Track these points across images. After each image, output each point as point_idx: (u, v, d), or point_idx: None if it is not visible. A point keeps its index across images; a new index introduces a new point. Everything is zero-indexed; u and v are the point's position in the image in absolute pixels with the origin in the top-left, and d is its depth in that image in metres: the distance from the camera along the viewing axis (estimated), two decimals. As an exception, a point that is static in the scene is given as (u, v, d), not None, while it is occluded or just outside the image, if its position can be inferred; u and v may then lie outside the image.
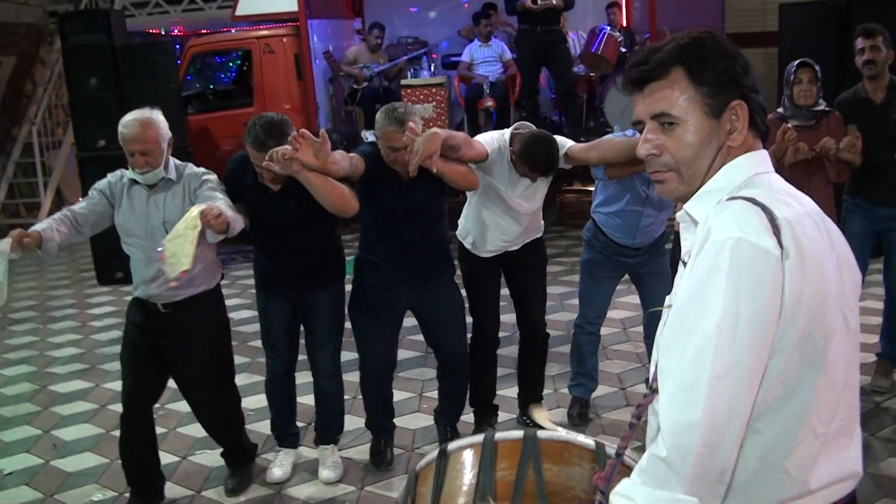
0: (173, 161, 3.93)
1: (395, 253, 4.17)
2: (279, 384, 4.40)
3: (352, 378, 5.48)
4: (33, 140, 12.78)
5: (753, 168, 1.64)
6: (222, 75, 11.60)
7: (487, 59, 9.60)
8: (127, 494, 4.30)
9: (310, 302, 4.21)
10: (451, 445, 2.02)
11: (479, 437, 1.98)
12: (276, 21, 10.35)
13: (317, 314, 4.24)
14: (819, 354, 1.54)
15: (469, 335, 4.61)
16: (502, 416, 4.87)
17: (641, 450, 1.64)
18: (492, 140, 4.29)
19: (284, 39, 10.00)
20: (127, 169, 3.91)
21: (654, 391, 1.60)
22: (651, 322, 4.70)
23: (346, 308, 4.39)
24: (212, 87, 11.16)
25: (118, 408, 5.35)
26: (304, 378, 4.60)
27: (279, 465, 4.44)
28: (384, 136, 3.96)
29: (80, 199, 4.13)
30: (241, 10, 10.39)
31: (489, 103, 9.22)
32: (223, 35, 11.35)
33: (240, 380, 4.66)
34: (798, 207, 1.58)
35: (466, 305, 4.56)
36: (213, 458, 4.62)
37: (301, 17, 9.56)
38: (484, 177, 4.31)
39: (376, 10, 11.12)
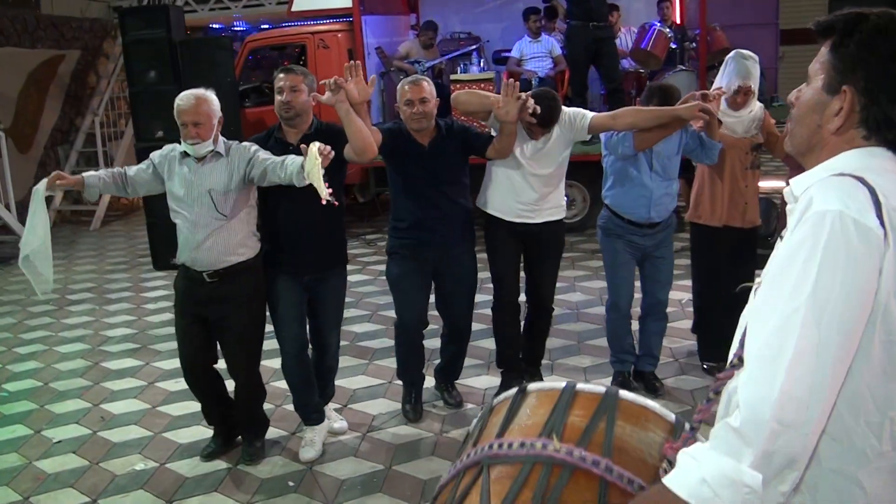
0: (222, 139, 4.24)
1: (424, 216, 4.59)
2: (296, 364, 4.55)
3: (387, 364, 5.65)
4: (96, 130, 13.19)
5: (872, 162, 1.55)
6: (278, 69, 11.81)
7: (537, 54, 9.67)
8: (167, 465, 4.56)
9: (320, 286, 4.48)
10: (532, 385, 1.98)
11: (561, 384, 1.93)
12: (331, 17, 10.51)
13: (327, 298, 4.53)
14: None
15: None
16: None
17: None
18: None
19: (339, 35, 10.17)
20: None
21: (734, 366, 1.53)
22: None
23: (386, 274, 4.87)
24: (267, 81, 11.35)
25: (166, 385, 5.71)
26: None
27: (310, 443, 4.60)
28: (401, 94, 4.51)
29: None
30: (297, 6, 10.57)
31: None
32: (279, 30, 11.55)
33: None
34: None
35: (488, 275, 4.92)
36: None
37: (355, 13, 9.69)
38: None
39: (432, 6, 11.24)
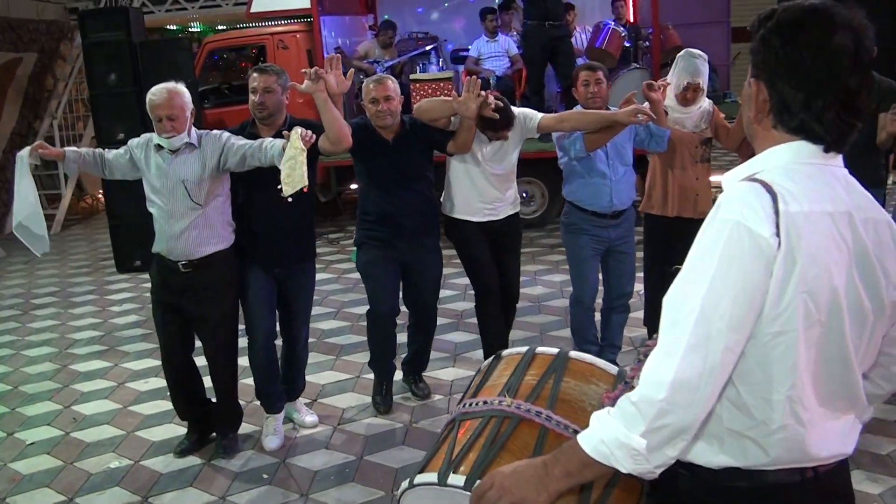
0: (195, 129, 4.33)
1: (390, 209, 4.76)
2: (263, 352, 4.67)
3: (354, 359, 5.77)
4: (54, 133, 13.12)
5: (790, 158, 1.67)
6: (237, 70, 11.83)
7: (494, 54, 9.84)
8: (142, 462, 4.63)
9: (291, 279, 4.64)
10: (505, 352, 2.44)
11: (525, 348, 2.37)
12: (290, 17, 10.56)
13: (298, 291, 4.70)
14: (798, 346, 1.60)
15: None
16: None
17: None
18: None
19: (297, 35, 10.23)
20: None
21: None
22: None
23: (356, 264, 5.01)
24: (227, 82, 11.39)
25: (136, 385, 5.77)
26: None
27: (274, 432, 4.77)
28: (365, 93, 4.71)
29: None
30: (256, 7, 10.58)
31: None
32: (238, 31, 11.59)
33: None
34: (819, 206, 1.61)
35: (454, 270, 5.12)
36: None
37: (314, 13, 9.76)
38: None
39: (388, 6, 11.35)
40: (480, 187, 4.94)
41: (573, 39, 9.63)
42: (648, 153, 5.13)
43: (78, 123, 13.70)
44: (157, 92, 4.19)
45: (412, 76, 9.72)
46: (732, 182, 1.69)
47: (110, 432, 5.07)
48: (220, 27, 14.75)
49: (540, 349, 2.33)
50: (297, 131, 3.81)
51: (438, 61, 10.23)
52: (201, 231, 4.29)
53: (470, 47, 10.14)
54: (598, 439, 1.65)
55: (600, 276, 5.18)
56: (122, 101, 8.88)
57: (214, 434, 4.79)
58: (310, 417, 4.99)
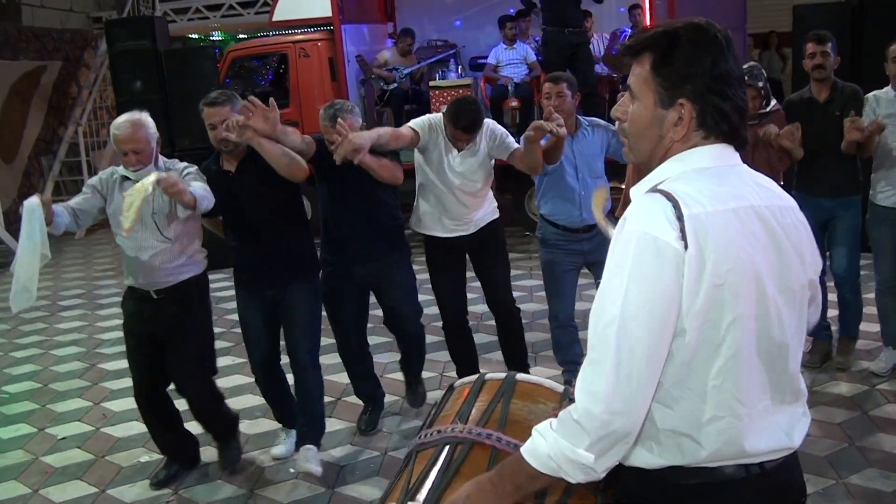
0: (162, 158, 4.22)
1: (348, 232, 4.56)
2: (268, 380, 4.62)
3: (335, 378, 5.66)
4: (79, 140, 13.38)
5: (695, 163, 1.75)
6: (260, 78, 11.99)
7: (513, 61, 9.94)
8: (171, 457, 4.73)
9: (287, 299, 4.39)
10: (458, 382, 2.47)
11: (475, 377, 2.43)
12: (312, 26, 10.75)
13: (294, 310, 4.40)
14: (720, 340, 1.67)
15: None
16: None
17: None
18: (423, 121, 4.62)
19: (319, 44, 10.39)
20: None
21: None
22: None
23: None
24: (250, 89, 11.54)
25: None
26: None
27: (283, 442, 4.73)
28: (322, 129, 4.35)
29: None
30: (277, 16, 10.75)
31: (514, 103, 9.52)
32: (261, 40, 11.77)
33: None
34: (721, 204, 1.69)
35: (431, 292, 4.98)
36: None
37: (335, 22, 9.89)
38: (423, 158, 4.67)
39: (408, 15, 11.49)
40: (447, 203, 4.70)
41: (590, 47, 9.72)
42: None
43: (101, 130, 13.91)
44: (120, 126, 4.04)
45: (431, 83, 9.86)
46: (638, 195, 1.77)
47: (139, 428, 5.15)
48: (241, 36, 14.93)
49: (489, 375, 2.40)
50: (158, 175, 3.72)
51: (457, 68, 10.37)
52: (172, 262, 4.18)
53: (489, 55, 10.25)
54: (546, 455, 1.72)
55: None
56: (147, 108, 8.89)
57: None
58: (308, 465, 4.39)
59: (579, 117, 4.79)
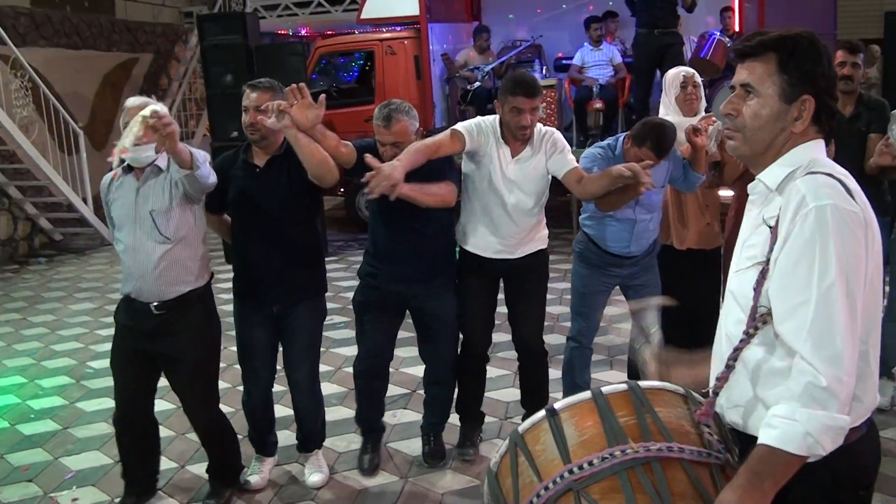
0: (164, 154, 3.82)
1: (388, 247, 4.21)
2: (257, 403, 4.37)
3: (410, 371, 5.65)
4: (168, 130, 13.67)
5: (814, 153, 2.00)
6: (346, 74, 12.15)
7: (598, 62, 9.89)
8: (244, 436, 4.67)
9: (290, 318, 4.16)
10: (558, 405, 2.06)
11: (587, 394, 2.06)
12: (399, 24, 10.83)
13: (296, 330, 4.19)
14: (877, 300, 1.93)
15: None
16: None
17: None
18: (470, 124, 4.16)
19: (405, 42, 10.50)
20: None
21: (749, 336, 1.96)
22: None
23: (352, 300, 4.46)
24: (336, 85, 11.71)
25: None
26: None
27: (258, 471, 4.44)
28: (375, 129, 4.03)
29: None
30: (366, 14, 10.91)
31: (598, 105, 9.48)
32: (348, 37, 11.93)
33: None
34: (854, 182, 1.95)
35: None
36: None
37: (422, 20, 10.05)
38: (471, 165, 4.25)
39: (493, 14, 11.53)
40: (495, 217, 4.24)
41: (683, 48, 9.59)
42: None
43: (190, 121, 14.28)
44: (131, 100, 3.75)
45: (515, 84, 9.83)
46: (775, 180, 2.00)
47: (226, 410, 5.27)
48: (328, 32, 15.15)
49: (605, 389, 2.08)
50: (155, 108, 3.44)
51: (542, 69, 10.35)
52: (175, 269, 3.85)
53: (574, 56, 10.21)
54: (803, 433, 1.79)
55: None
56: (237, 101, 8.97)
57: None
58: (315, 476, 4.44)
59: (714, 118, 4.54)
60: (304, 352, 4.24)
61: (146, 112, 3.43)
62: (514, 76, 4.24)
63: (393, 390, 5.32)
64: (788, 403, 1.81)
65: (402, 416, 5.05)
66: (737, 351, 1.99)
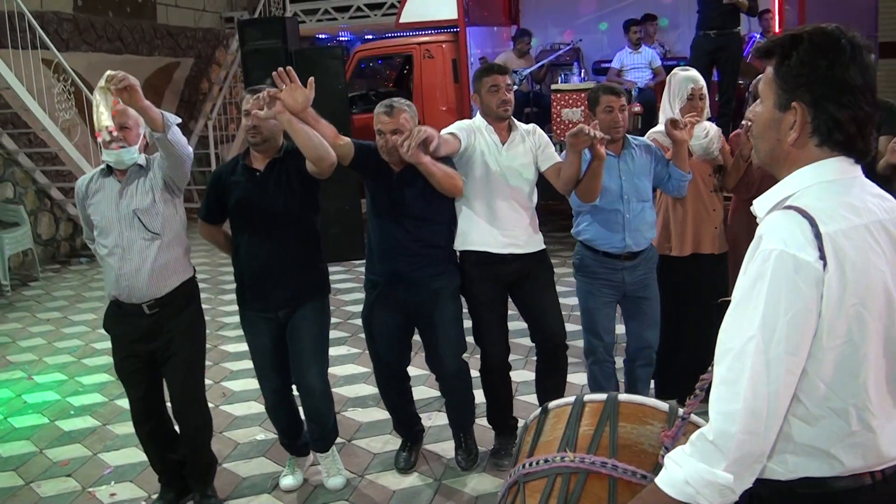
0: (144, 155, 3.89)
1: (388, 251, 4.16)
2: (279, 408, 4.37)
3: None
4: (208, 133, 13.89)
5: (820, 177, 1.76)
6: (384, 78, 12.20)
7: (637, 65, 9.84)
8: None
9: (295, 320, 4.13)
10: (551, 404, 2.30)
11: (572, 399, 2.27)
12: (437, 28, 10.84)
13: (305, 333, 4.13)
14: (858, 357, 1.70)
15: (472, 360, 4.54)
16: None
17: (702, 414, 1.89)
18: (460, 126, 4.25)
19: (444, 45, 10.56)
20: None
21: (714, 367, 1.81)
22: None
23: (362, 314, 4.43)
24: (374, 89, 11.77)
25: None
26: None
27: (292, 473, 4.48)
28: (375, 120, 4.01)
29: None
30: (404, 18, 10.89)
31: (636, 109, 9.40)
32: (387, 41, 11.99)
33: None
34: (854, 220, 1.70)
35: (470, 332, 4.43)
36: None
37: (460, 24, 10.02)
38: (466, 164, 4.22)
39: (532, 18, 11.51)
40: (496, 207, 4.22)
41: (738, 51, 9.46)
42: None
43: (231, 125, 14.39)
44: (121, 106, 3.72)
45: (553, 86, 9.80)
46: (763, 208, 1.81)
47: (257, 408, 5.37)
48: (367, 37, 15.24)
49: (587, 397, 2.24)
50: (111, 73, 3.46)
51: (580, 72, 10.31)
52: (165, 263, 3.86)
53: (613, 59, 10.17)
54: (682, 481, 1.72)
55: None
56: None
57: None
58: (335, 479, 4.41)
59: (627, 136, 4.36)
60: (313, 352, 4.18)
61: (101, 83, 3.49)
62: (479, 67, 4.34)
63: (427, 392, 5.40)
64: (686, 446, 1.76)
65: (437, 419, 5.04)
66: (703, 381, 1.92)
